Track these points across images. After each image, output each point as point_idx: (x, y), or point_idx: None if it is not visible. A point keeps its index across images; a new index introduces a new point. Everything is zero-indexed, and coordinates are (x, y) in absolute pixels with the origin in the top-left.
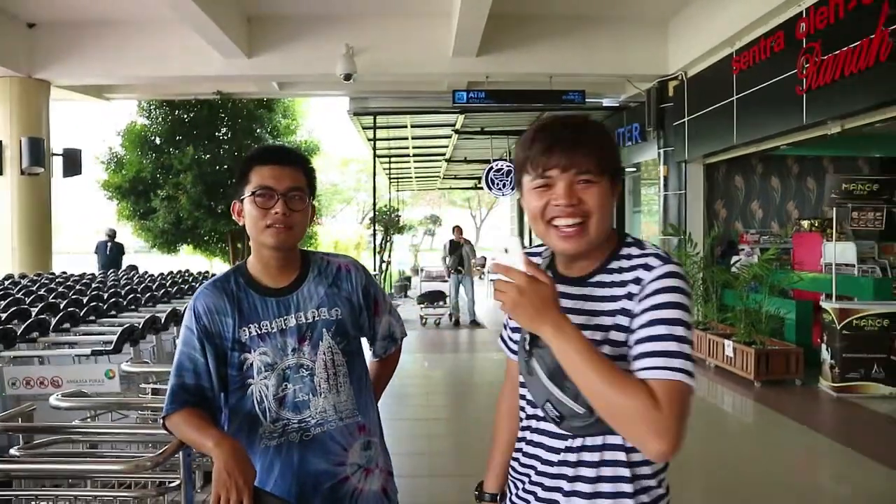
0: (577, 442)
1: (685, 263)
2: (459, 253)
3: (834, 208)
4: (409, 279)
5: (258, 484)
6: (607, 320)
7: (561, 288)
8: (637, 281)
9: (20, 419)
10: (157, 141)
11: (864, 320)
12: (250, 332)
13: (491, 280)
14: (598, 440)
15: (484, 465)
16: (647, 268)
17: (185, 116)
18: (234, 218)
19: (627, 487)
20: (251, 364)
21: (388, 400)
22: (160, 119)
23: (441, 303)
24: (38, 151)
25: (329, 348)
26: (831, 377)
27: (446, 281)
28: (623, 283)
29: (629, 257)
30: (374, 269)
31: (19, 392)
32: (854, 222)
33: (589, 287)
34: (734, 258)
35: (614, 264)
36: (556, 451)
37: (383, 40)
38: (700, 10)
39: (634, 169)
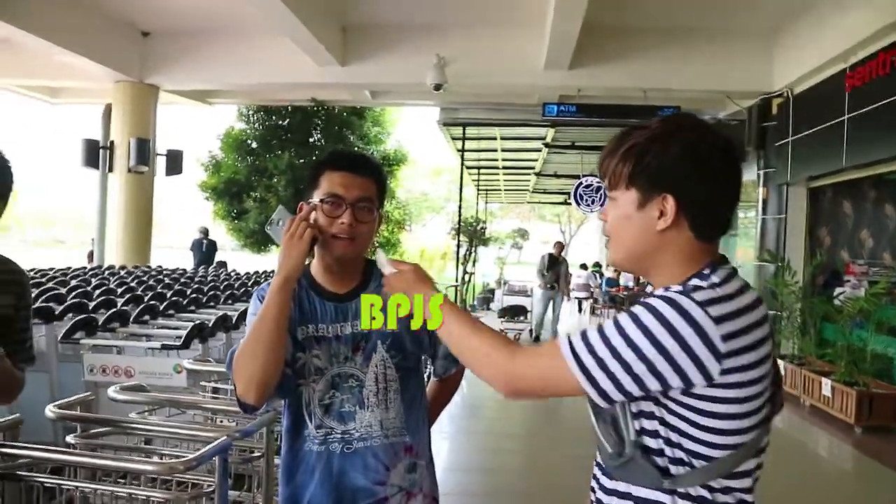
0: (622, 486)
1: (781, 293)
2: (557, 269)
3: None
4: (492, 292)
5: (301, 487)
6: None
7: None
8: None
9: (79, 408)
10: (254, 145)
11: None
12: (307, 332)
13: (576, 298)
14: (643, 493)
15: (554, 483)
16: None
17: (281, 122)
18: None
19: None
20: (303, 364)
21: (461, 412)
22: (257, 124)
23: (522, 318)
24: (144, 151)
25: (382, 361)
26: None
27: (529, 296)
28: None
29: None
30: (457, 280)
31: (97, 378)
32: None
33: None
34: (838, 290)
35: None
36: (606, 490)
37: (474, 51)
38: (811, 22)
39: None
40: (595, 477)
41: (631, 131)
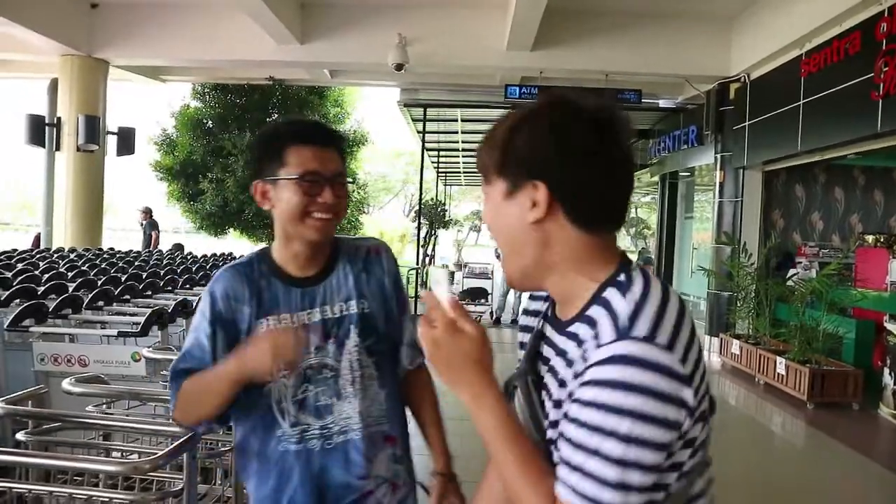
0: None
1: (737, 275)
2: None
3: None
4: (452, 274)
5: (278, 491)
6: (556, 390)
7: (549, 331)
8: (584, 356)
9: (31, 402)
10: (209, 124)
11: None
12: (268, 325)
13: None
14: None
15: None
16: (598, 340)
17: (238, 101)
18: (256, 199)
19: None
20: None
21: None
22: (213, 103)
23: (483, 300)
24: (93, 129)
25: (356, 347)
26: (893, 404)
27: (489, 278)
28: (580, 343)
29: (606, 306)
30: (417, 263)
31: (47, 368)
32: None
33: (563, 338)
34: (791, 271)
35: (592, 311)
36: None
37: (437, 31)
38: (768, 8)
39: (688, 173)
40: None
41: (503, 118)
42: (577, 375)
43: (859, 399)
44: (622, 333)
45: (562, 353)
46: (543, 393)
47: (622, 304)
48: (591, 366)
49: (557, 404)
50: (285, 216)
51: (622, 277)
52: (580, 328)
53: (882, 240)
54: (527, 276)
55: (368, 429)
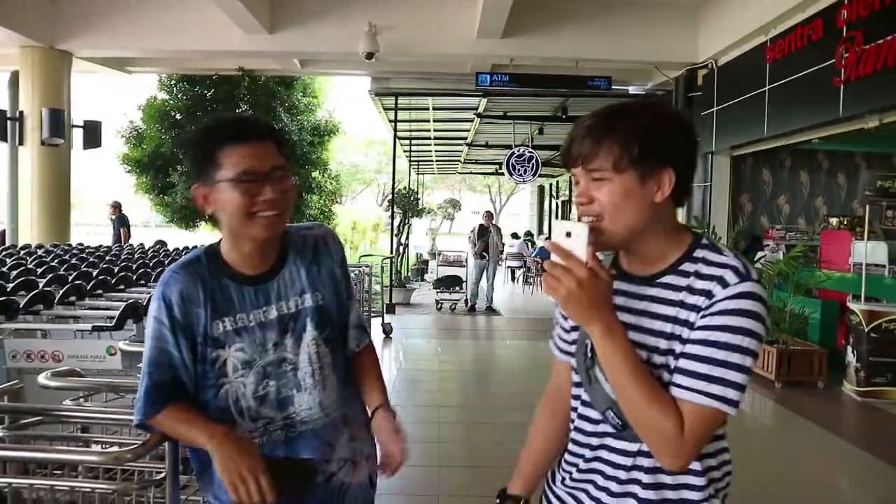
0: (648, 463)
1: None
2: (487, 238)
3: (867, 206)
4: (426, 263)
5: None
6: (668, 327)
7: (622, 286)
8: (709, 295)
9: (6, 398)
10: (177, 116)
11: (893, 323)
12: (224, 327)
13: (510, 267)
14: None
15: (495, 454)
16: (723, 283)
17: (206, 92)
18: (198, 204)
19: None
20: (224, 361)
21: (401, 385)
22: (180, 94)
23: (457, 288)
24: (58, 123)
25: (313, 340)
26: (856, 381)
27: (464, 266)
28: (692, 291)
29: (706, 262)
30: (391, 252)
31: (20, 364)
32: (888, 221)
33: (657, 288)
34: (758, 254)
35: (687, 266)
36: (628, 453)
37: (407, 19)
38: None
39: None
40: (598, 471)
41: (612, 116)
42: (698, 310)
43: (824, 377)
44: (744, 277)
45: (657, 299)
46: (630, 333)
47: (728, 258)
48: (722, 300)
49: (670, 337)
50: (230, 219)
51: (705, 241)
52: (676, 279)
53: (846, 222)
54: (630, 239)
55: (329, 416)
